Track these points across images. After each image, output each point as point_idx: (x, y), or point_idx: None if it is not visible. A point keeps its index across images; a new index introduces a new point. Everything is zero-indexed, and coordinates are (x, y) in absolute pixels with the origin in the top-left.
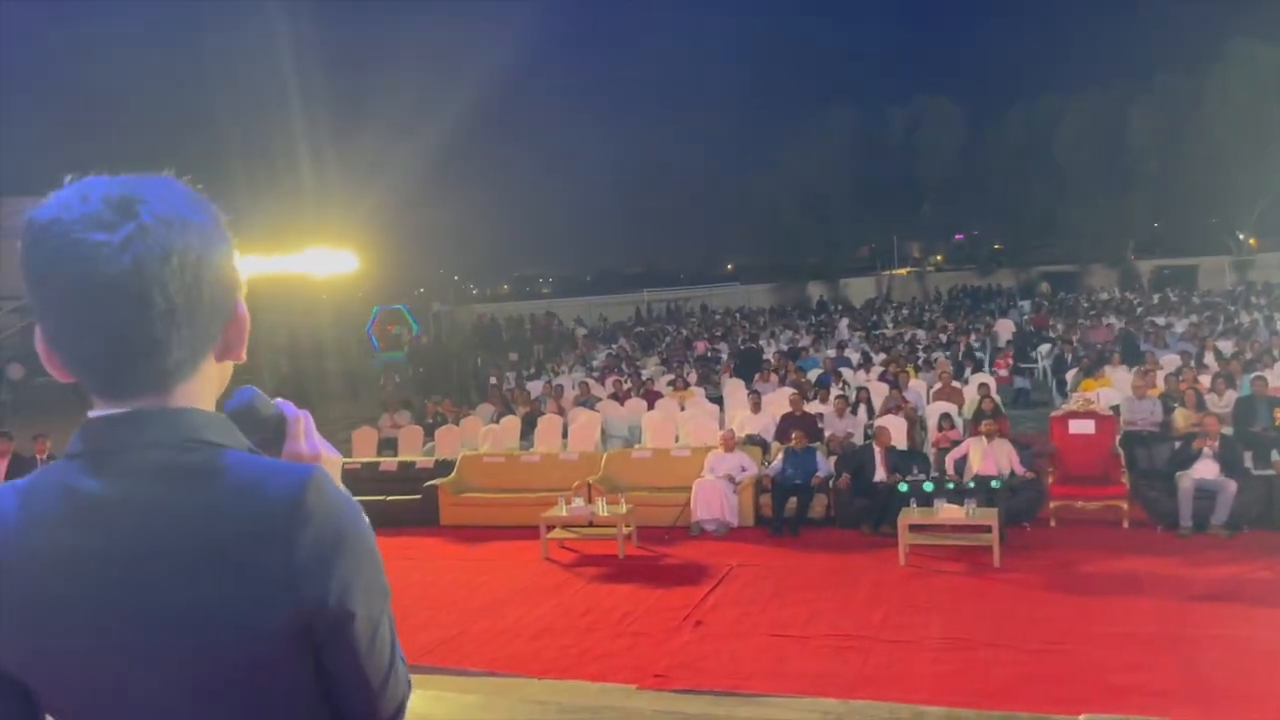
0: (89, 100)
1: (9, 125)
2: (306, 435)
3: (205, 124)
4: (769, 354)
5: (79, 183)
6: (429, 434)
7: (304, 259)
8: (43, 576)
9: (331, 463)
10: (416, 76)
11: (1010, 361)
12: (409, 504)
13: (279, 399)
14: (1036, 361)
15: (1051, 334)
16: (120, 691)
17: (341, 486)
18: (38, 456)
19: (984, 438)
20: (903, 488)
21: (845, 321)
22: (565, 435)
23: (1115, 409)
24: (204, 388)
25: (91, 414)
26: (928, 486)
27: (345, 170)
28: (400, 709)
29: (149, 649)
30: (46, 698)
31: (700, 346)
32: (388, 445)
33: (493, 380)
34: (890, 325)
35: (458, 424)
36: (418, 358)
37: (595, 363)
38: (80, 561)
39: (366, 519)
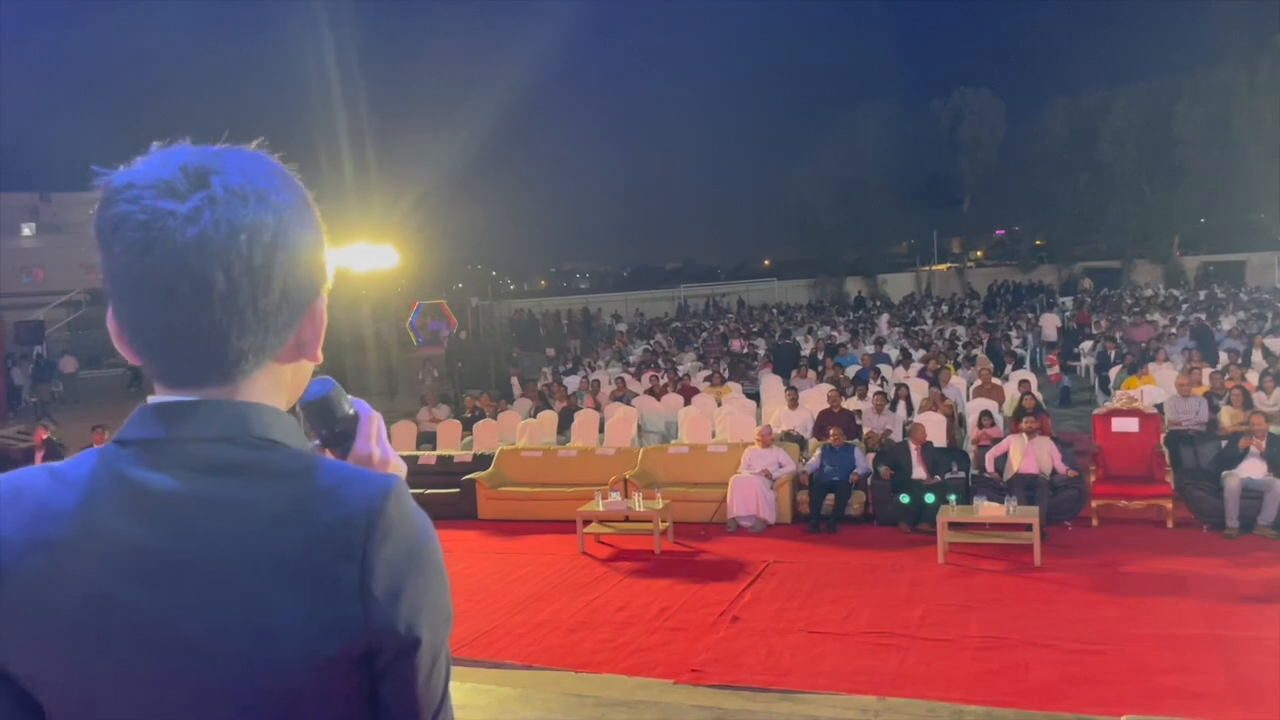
0: (139, 98)
1: (60, 123)
2: (379, 438)
3: (252, 120)
4: (806, 350)
5: (166, 149)
6: (467, 428)
7: (345, 254)
8: (84, 563)
9: (399, 469)
10: (456, 73)
11: (1058, 359)
12: (447, 497)
13: (357, 399)
14: (1079, 359)
15: (1094, 331)
16: (136, 706)
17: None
18: (94, 445)
19: (1024, 435)
20: (929, 498)
21: (885, 317)
22: (602, 430)
23: (1159, 407)
24: (275, 385)
25: (150, 399)
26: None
27: (385, 166)
28: None
29: (191, 657)
30: (52, 706)
31: (737, 343)
32: (426, 439)
33: (514, 377)
34: (929, 321)
35: (495, 418)
36: (455, 352)
37: (632, 358)
38: (131, 553)
39: (437, 536)
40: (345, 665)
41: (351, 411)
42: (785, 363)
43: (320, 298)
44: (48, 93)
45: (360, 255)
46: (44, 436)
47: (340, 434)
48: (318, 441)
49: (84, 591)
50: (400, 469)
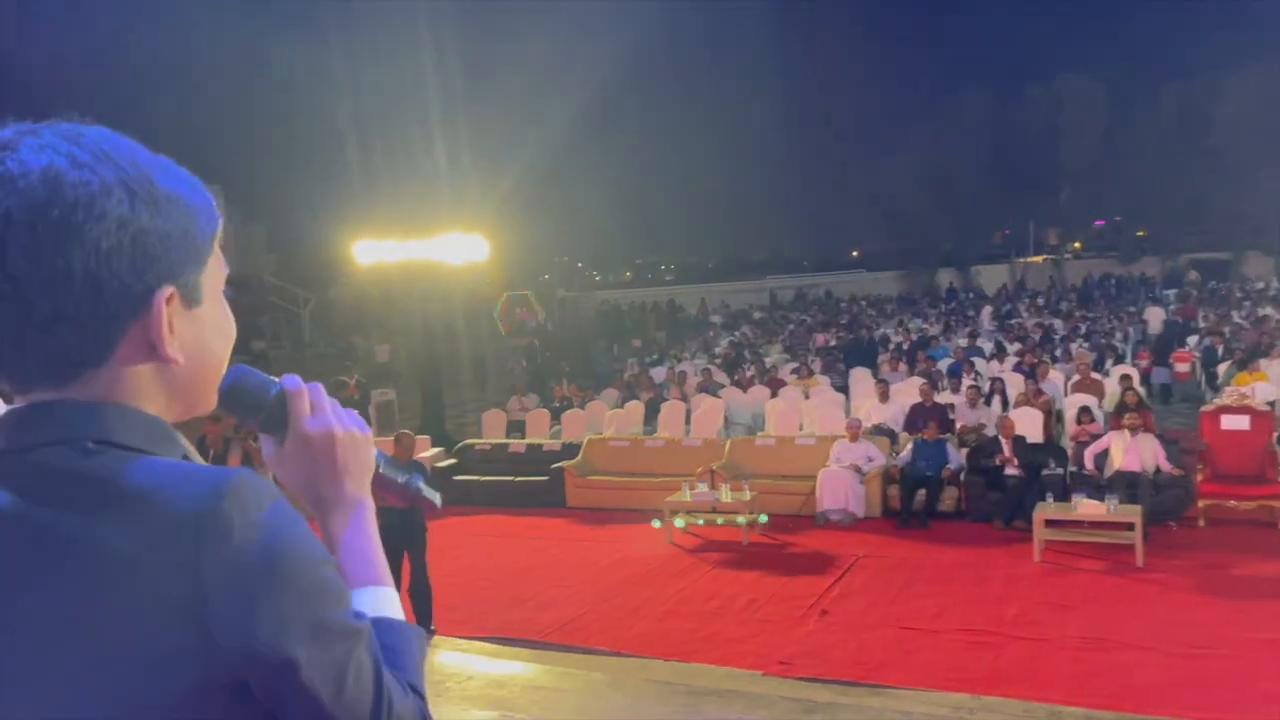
0: (230, 94)
1: (158, 120)
2: (317, 409)
3: (349, 116)
4: (894, 343)
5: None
6: (555, 417)
7: (437, 245)
8: None
9: (358, 441)
10: (546, 66)
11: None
12: (536, 485)
13: (287, 375)
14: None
15: (1201, 325)
16: None
17: (371, 465)
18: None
19: (1127, 431)
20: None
21: (987, 310)
22: (688, 422)
23: (1272, 404)
24: (131, 386)
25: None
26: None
27: (475, 158)
28: None
29: (15, 704)
30: None
31: (820, 339)
32: (515, 427)
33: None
34: (1024, 314)
35: (583, 408)
36: (544, 343)
37: (718, 350)
38: None
39: (316, 538)
40: (208, 698)
41: (275, 392)
42: (860, 359)
43: (159, 291)
44: (139, 85)
45: (453, 247)
46: None
47: (269, 419)
48: (254, 429)
49: None
50: (354, 438)
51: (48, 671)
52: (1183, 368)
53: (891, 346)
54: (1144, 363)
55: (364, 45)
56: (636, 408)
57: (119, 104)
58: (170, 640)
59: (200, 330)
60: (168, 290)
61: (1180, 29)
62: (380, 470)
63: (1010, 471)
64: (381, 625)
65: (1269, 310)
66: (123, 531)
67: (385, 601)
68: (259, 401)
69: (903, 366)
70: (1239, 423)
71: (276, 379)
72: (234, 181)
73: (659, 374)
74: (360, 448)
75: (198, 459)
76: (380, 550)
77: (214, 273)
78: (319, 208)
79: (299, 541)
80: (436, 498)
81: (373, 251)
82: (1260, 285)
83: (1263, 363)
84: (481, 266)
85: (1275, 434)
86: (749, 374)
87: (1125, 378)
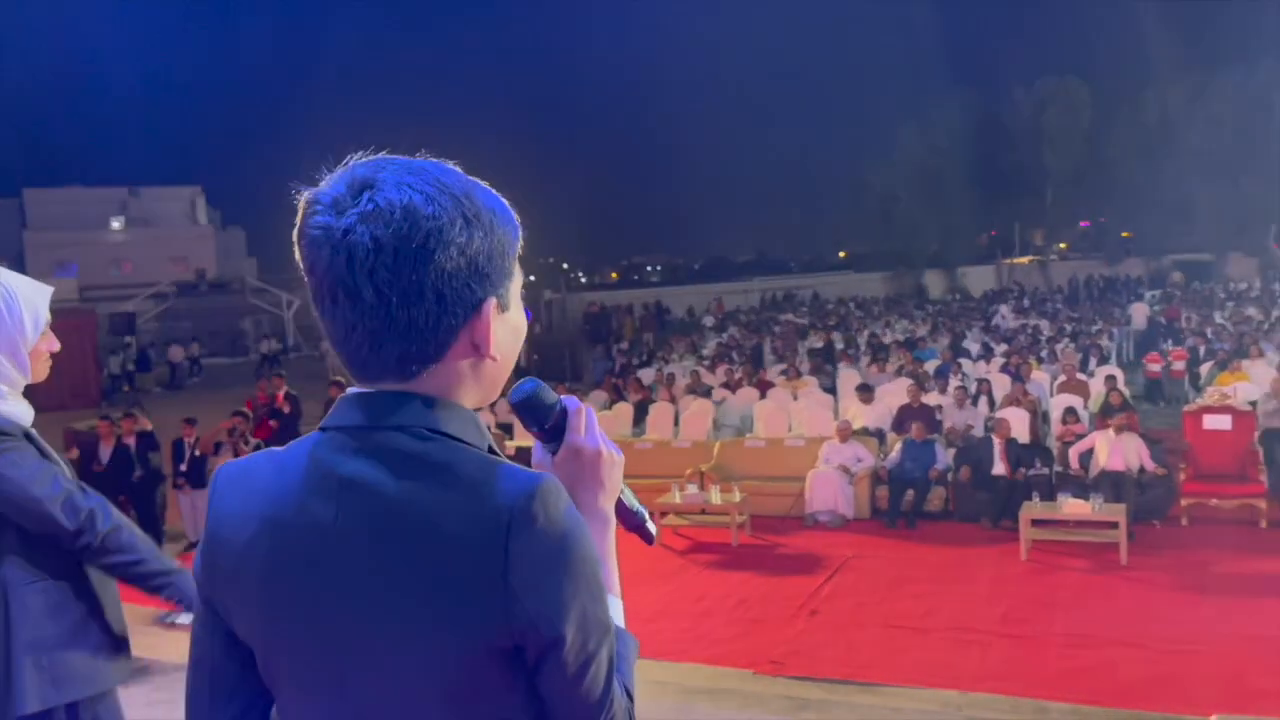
0: (216, 98)
1: (148, 118)
2: (588, 429)
3: (324, 118)
4: (887, 342)
5: (360, 161)
6: None
7: None
8: (281, 542)
9: (616, 462)
10: (527, 65)
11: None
12: None
13: (567, 395)
14: (1166, 354)
15: (1185, 325)
16: (308, 667)
17: (619, 487)
18: (184, 439)
19: (1111, 431)
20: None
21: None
22: (677, 423)
23: (1253, 404)
24: (454, 381)
25: (350, 390)
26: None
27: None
28: None
29: (349, 627)
30: (260, 662)
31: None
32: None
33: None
34: (1010, 315)
35: None
36: (531, 345)
37: (705, 351)
38: (317, 532)
39: (592, 540)
40: (494, 651)
41: (559, 407)
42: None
43: (488, 302)
44: (134, 89)
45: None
46: (134, 427)
47: (551, 429)
48: (536, 435)
49: (276, 560)
50: (616, 461)
51: (388, 611)
52: (1154, 368)
53: (866, 349)
54: (1155, 365)
55: (343, 44)
56: (625, 409)
57: (101, 109)
58: (478, 605)
59: (508, 332)
60: (492, 300)
61: (1163, 32)
62: (622, 494)
63: (998, 471)
64: (617, 632)
65: (1252, 311)
66: (455, 512)
67: (618, 610)
68: (547, 412)
69: (890, 368)
70: (1221, 422)
71: (559, 397)
72: (214, 184)
73: (647, 375)
74: (616, 468)
75: (498, 449)
76: (616, 563)
77: (517, 281)
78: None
79: (586, 542)
80: (654, 531)
81: None
82: (1243, 286)
83: (1245, 363)
84: None
85: (1256, 433)
86: (737, 375)
87: (1110, 378)
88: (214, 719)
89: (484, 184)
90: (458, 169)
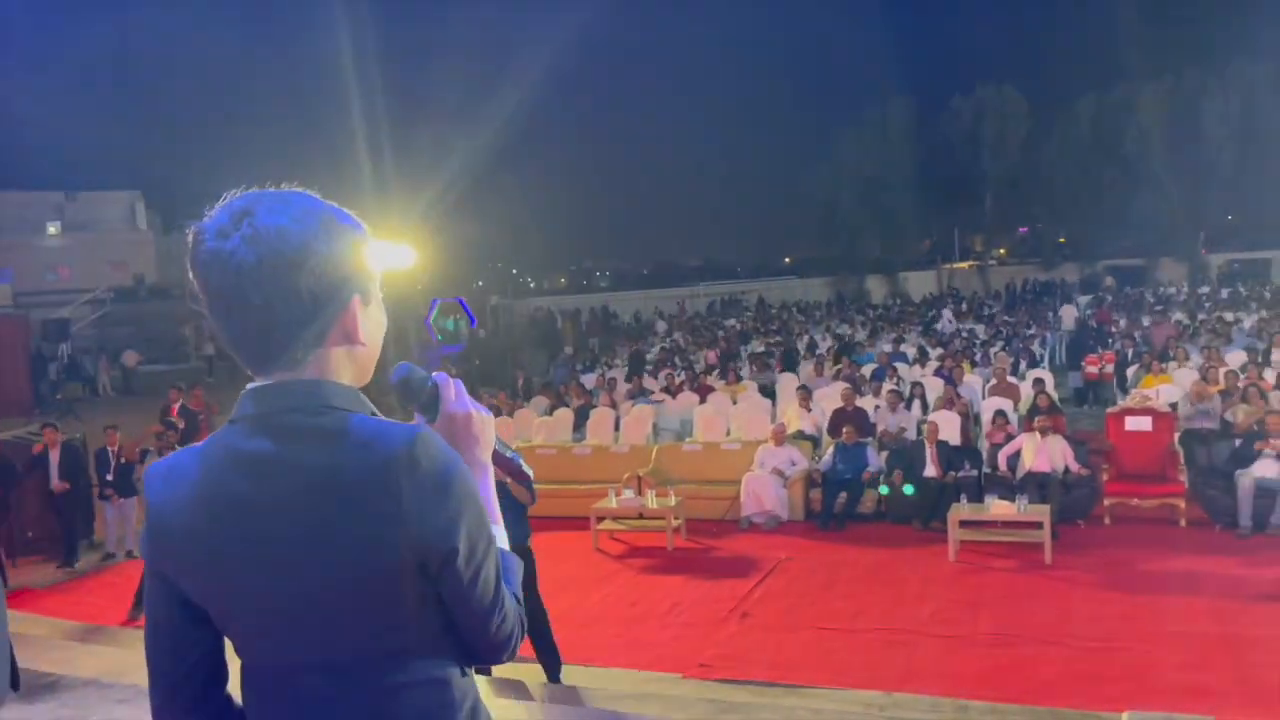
0: (159, 96)
1: (84, 121)
2: (458, 397)
3: (267, 118)
4: (823, 348)
5: (235, 196)
6: None
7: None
8: (214, 516)
9: (486, 420)
10: (471, 70)
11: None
12: None
13: (437, 372)
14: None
15: (1114, 330)
16: (260, 610)
17: (493, 439)
18: (108, 448)
19: (1038, 434)
20: (883, 489)
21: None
22: (617, 428)
23: (1174, 406)
24: (333, 364)
25: (249, 385)
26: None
27: (402, 165)
28: (508, 641)
29: (291, 571)
30: (217, 617)
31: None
32: None
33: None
34: (949, 320)
35: (511, 416)
36: (474, 350)
37: (649, 356)
38: (241, 504)
39: (470, 473)
40: (399, 575)
41: (431, 384)
42: (788, 365)
43: (354, 299)
44: (70, 91)
45: (377, 255)
46: (56, 438)
47: (426, 403)
48: (414, 410)
49: (211, 531)
50: (487, 420)
51: (307, 551)
52: (1092, 370)
53: (806, 353)
54: (1093, 368)
55: (287, 53)
56: (566, 415)
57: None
58: (382, 535)
59: (371, 322)
60: (356, 296)
61: (1095, 45)
62: (497, 445)
63: (929, 474)
64: (500, 552)
65: (1179, 315)
66: (352, 466)
67: (500, 536)
68: (420, 389)
69: (828, 371)
70: (1141, 424)
71: (429, 375)
72: (153, 190)
73: (590, 380)
74: (488, 425)
75: (380, 416)
76: (497, 501)
77: (375, 280)
78: None
79: (462, 474)
80: (530, 472)
81: None
82: (1172, 290)
83: (1171, 366)
84: (412, 274)
85: (1176, 434)
86: (678, 380)
87: (1038, 381)
88: (175, 670)
89: (341, 208)
90: (317, 195)
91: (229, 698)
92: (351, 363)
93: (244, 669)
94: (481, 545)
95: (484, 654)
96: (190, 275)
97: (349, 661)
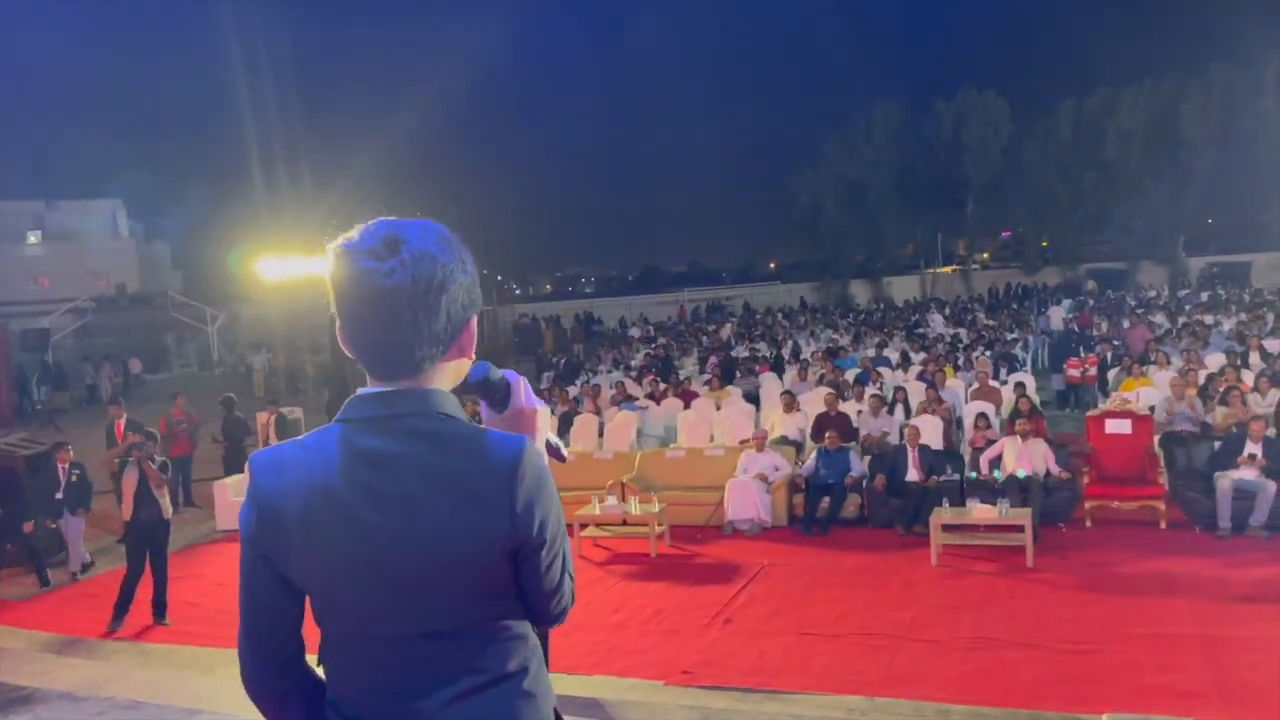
0: (136, 110)
1: (63, 131)
2: (527, 395)
3: (237, 135)
4: (807, 353)
5: (374, 222)
6: None
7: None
8: (334, 503)
9: (543, 414)
10: (457, 75)
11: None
12: None
13: (508, 370)
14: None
15: (1096, 333)
16: (376, 587)
17: (551, 433)
18: (59, 465)
19: (1019, 437)
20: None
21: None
22: (601, 435)
23: (1153, 409)
24: (445, 376)
25: (362, 390)
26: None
27: (385, 172)
28: (565, 612)
29: (410, 555)
30: (318, 593)
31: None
32: None
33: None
34: (942, 323)
35: None
36: None
37: (634, 362)
38: (366, 492)
39: (552, 477)
40: (501, 558)
41: (504, 380)
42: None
43: (473, 318)
44: (49, 101)
45: None
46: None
47: (500, 399)
48: (484, 404)
49: (338, 516)
50: (544, 413)
51: (425, 537)
52: (1074, 373)
53: (790, 358)
54: (1075, 371)
55: (261, 63)
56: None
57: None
58: (493, 528)
59: (474, 338)
60: (475, 317)
61: (1075, 49)
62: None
63: (911, 478)
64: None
65: (1159, 318)
66: (472, 469)
67: None
68: (499, 386)
69: (812, 376)
70: (1121, 427)
71: (501, 372)
72: (136, 199)
73: (575, 387)
74: (547, 419)
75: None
76: None
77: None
78: (223, 225)
79: (551, 479)
80: (567, 455)
81: (277, 268)
82: (1153, 294)
83: (1151, 369)
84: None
85: (1156, 437)
86: (662, 386)
87: (1020, 385)
88: (272, 641)
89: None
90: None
91: (310, 665)
92: (456, 373)
93: (333, 640)
94: (560, 538)
95: (544, 622)
96: (332, 289)
97: (452, 628)
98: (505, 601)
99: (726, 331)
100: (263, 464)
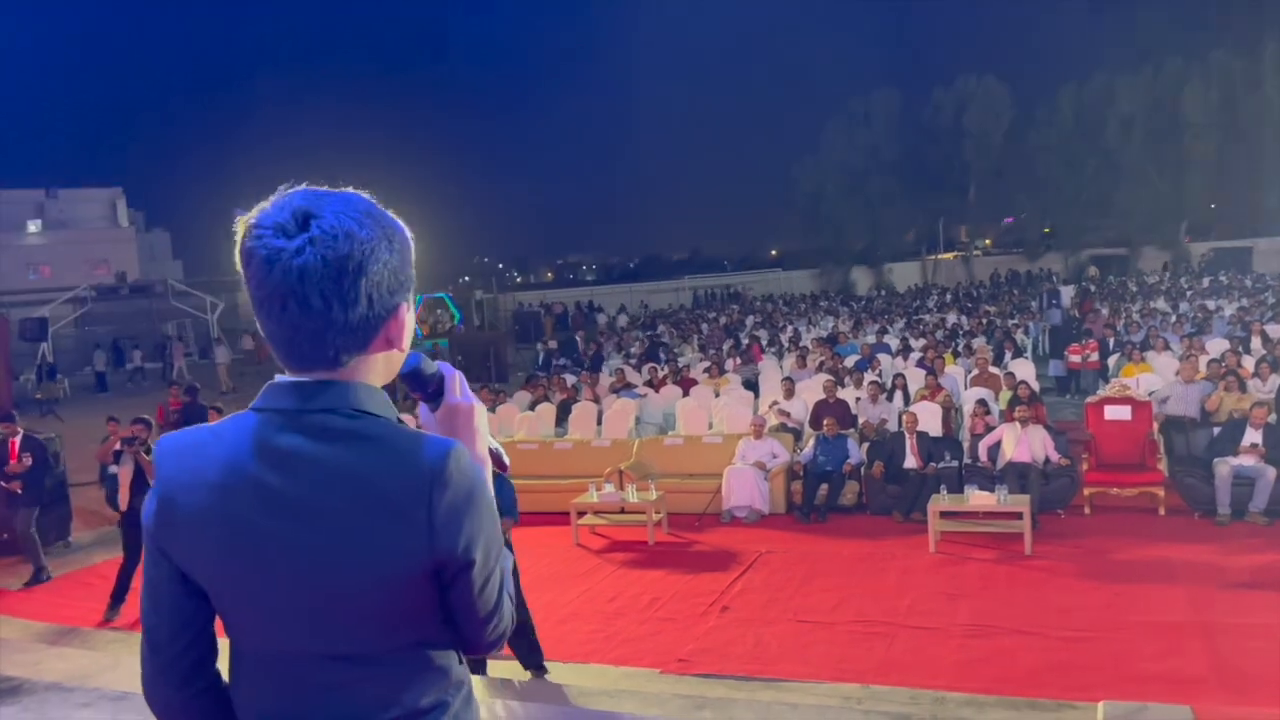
0: (136, 97)
1: (65, 120)
2: (462, 389)
3: (249, 118)
4: (807, 340)
5: (288, 192)
6: None
7: None
8: (236, 505)
9: (480, 411)
10: (459, 64)
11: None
12: None
13: (442, 363)
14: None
15: (1096, 320)
16: (273, 600)
17: (487, 431)
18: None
19: (1018, 424)
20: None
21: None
22: (600, 422)
23: (1153, 394)
24: (371, 368)
25: (280, 377)
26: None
27: (389, 159)
28: (500, 639)
29: (308, 569)
30: (218, 600)
31: (729, 344)
32: None
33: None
34: (932, 310)
35: (494, 410)
36: (458, 345)
37: (633, 350)
38: (269, 496)
39: (489, 487)
40: (419, 578)
41: (438, 373)
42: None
43: (402, 305)
44: (51, 90)
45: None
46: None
47: (433, 392)
48: (422, 406)
49: (230, 517)
50: (480, 409)
51: (333, 549)
52: (1075, 359)
53: (790, 345)
54: (1076, 357)
55: (263, 48)
56: (548, 410)
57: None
58: (408, 542)
59: (407, 328)
60: (404, 303)
61: (1076, 35)
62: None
63: (910, 465)
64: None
65: (1159, 304)
66: (388, 472)
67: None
68: (429, 379)
69: (810, 364)
70: (1121, 413)
71: (437, 366)
72: (135, 187)
73: (574, 375)
74: (483, 416)
75: (403, 421)
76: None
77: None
78: (224, 212)
79: (486, 487)
80: (507, 461)
81: None
82: (1154, 280)
83: (1150, 354)
84: None
85: (1156, 423)
86: (661, 374)
87: (1017, 371)
88: (174, 644)
89: (393, 214)
90: (372, 198)
91: (218, 673)
92: (386, 366)
93: (238, 652)
94: (493, 555)
95: (476, 649)
96: (242, 268)
97: (360, 653)
98: (427, 626)
99: (715, 319)
100: (166, 450)
